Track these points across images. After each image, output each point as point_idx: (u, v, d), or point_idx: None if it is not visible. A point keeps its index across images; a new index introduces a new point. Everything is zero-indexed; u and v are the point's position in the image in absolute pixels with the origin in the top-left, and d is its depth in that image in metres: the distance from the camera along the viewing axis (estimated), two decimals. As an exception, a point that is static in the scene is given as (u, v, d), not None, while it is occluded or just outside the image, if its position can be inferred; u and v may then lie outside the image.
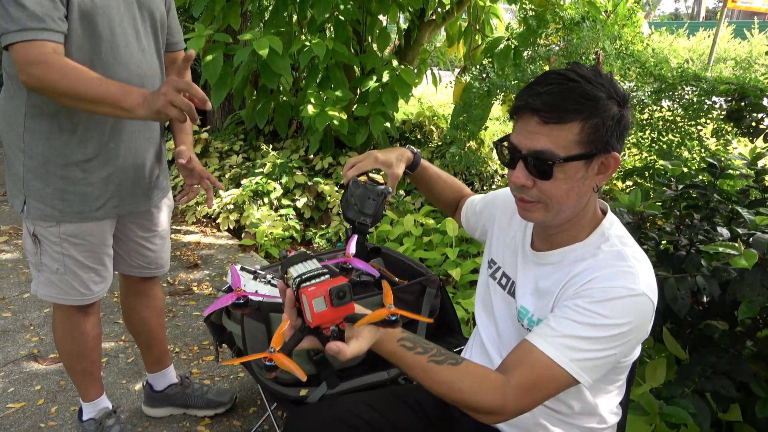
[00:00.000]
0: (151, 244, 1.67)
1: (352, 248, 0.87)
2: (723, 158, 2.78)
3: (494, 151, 4.67)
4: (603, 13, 3.64)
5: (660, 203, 1.68)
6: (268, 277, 1.33)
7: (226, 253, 3.33)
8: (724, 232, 1.61)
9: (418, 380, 0.90)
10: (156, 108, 1.12)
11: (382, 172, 1.27)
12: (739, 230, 1.54)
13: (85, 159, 1.41)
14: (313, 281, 0.78)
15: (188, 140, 1.62)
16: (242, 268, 1.34)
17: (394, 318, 0.80)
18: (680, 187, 1.65)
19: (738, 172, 1.60)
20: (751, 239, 1.39)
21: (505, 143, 0.97)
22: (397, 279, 1.49)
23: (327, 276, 0.79)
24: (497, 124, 4.93)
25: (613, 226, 1.02)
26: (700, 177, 1.70)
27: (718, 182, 1.64)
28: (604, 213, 1.04)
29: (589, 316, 0.90)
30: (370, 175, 1.23)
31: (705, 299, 1.67)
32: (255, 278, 1.29)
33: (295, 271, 0.81)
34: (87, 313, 1.57)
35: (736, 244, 1.34)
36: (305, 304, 0.77)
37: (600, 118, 0.90)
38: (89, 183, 1.43)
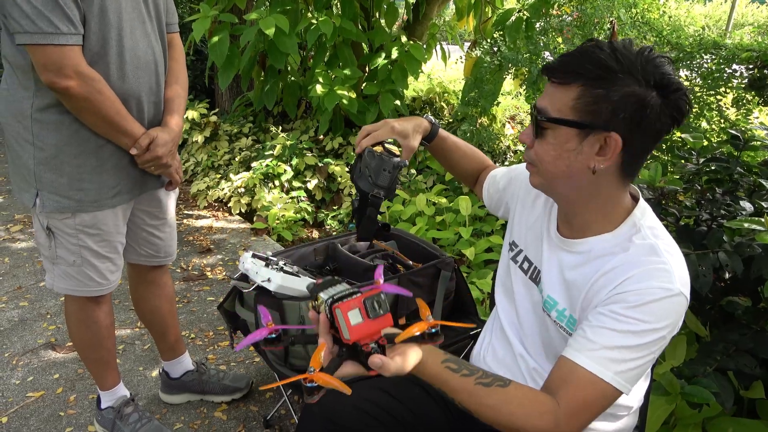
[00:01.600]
0: (160, 232, 1.66)
1: (380, 276, 0.82)
2: (745, 128, 2.70)
3: (506, 126, 4.61)
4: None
5: (679, 177, 1.62)
6: (281, 263, 1.31)
7: (238, 237, 3.33)
8: (747, 206, 1.55)
9: (464, 404, 0.86)
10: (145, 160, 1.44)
11: (398, 143, 1.23)
12: (764, 204, 1.49)
13: (98, 145, 1.40)
14: (345, 299, 0.74)
15: (171, 122, 1.52)
16: (254, 255, 1.32)
17: (435, 330, 0.76)
18: (701, 160, 1.59)
19: (761, 143, 1.54)
20: (777, 213, 1.34)
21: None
22: (411, 262, 1.47)
23: (359, 293, 0.75)
24: (509, 98, 4.84)
25: (645, 215, 0.96)
26: (722, 150, 1.64)
27: (742, 154, 1.58)
28: (636, 200, 0.99)
29: (627, 323, 0.85)
30: (386, 145, 1.18)
31: (727, 276, 1.62)
32: (267, 265, 1.27)
33: (326, 294, 0.78)
34: (99, 303, 1.57)
35: (762, 219, 1.29)
36: (341, 319, 0.73)
37: (605, 90, 0.84)
38: (104, 170, 1.42)
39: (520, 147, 4.25)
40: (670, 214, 1.62)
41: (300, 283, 1.25)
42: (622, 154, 0.87)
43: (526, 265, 1.11)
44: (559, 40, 3.27)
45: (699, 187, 1.58)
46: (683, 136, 1.73)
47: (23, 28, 1.20)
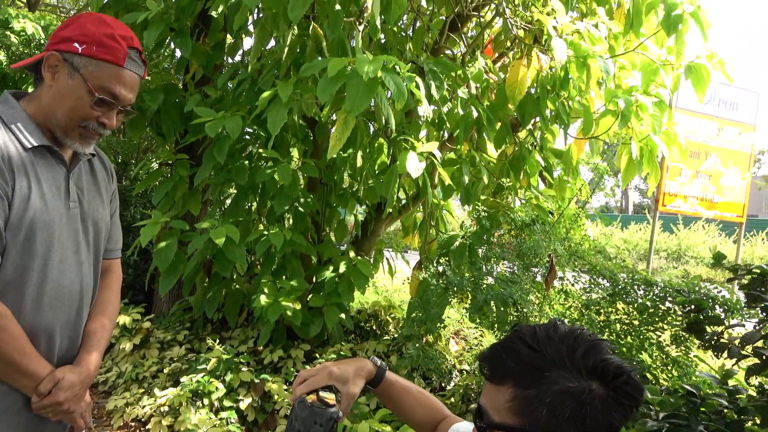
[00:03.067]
0: None
1: None
2: (686, 364, 2.72)
3: (450, 341, 4.56)
4: (550, 215, 3.85)
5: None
6: None
7: (152, 467, 2.88)
8: (712, 467, 1.47)
9: None
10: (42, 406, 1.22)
11: (336, 390, 1.11)
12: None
13: None
14: None
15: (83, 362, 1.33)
16: None
17: None
18: (661, 416, 1.53)
19: (718, 401, 1.51)
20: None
21: None
22: None
23: None
24: (453, 312, 4.89)
25: None
26: (680, 406, 1.60)
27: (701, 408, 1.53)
28: None
29: None
30: (321, 394, 1.07)
31: None
32: None
33: None
34: None
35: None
36: None
37: (536, 391, 0.77)
38: None
39: (465, 366, 4.16)
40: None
41: None
42: None
43: None
44: (501, 267, 3.42)
45: (662, 447, 1.49)
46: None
47: None
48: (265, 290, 3.60)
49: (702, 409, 1.49)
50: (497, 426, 0.81)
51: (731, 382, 1.91)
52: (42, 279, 1.24)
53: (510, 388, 0.80)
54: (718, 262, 2.24)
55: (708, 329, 2.15)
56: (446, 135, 4.15)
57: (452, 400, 3.52)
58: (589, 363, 0.77)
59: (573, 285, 3.23)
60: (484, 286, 3.10)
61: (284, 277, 3.94)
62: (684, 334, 2.59)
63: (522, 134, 4.13)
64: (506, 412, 0.80)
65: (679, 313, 2.65)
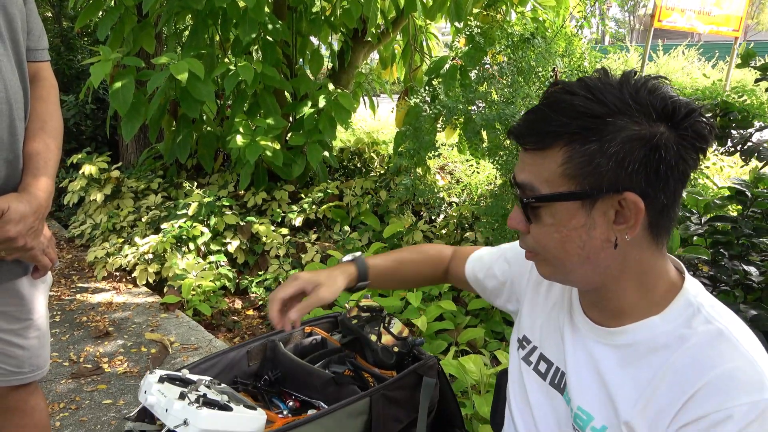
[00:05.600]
0: (22, 339, 1.17)
1: None
2: (698, 178, 2.60)
3: (436, 176, 4.44)
4: (548, 31, 3.48)
5: (682, 240, 1.40)
6: (203, 388, 0.91)
7: (144, 314, 2.80)
8: (752, 270, 1.35)
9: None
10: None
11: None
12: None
13: None
14: None
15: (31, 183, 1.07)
16: (162, 379, 0.91)
17: None
18: (704, 219, 1.38)
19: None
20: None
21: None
22: (378, 370, 1.11)
23: None
24: (448, 149, 4.71)
25: (699, 291, 0.72)
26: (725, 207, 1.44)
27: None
28: (681, 273, 0.75)
29: None
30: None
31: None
32: (183, 396, 0.87)
33: None
34: None
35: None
36: None
37: (597, 143, 0.65)
38: None
39: (455, 198, 4.06)
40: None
41: (234, 421, 0.86)
42: (647, 213, 0.67)
43: (543, 367, 0.84)
44: (494, 94, 3.13)
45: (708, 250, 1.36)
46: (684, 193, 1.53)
47: None
48: (240, 129, 3.30)
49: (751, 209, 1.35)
50: (550, 197, 0.68)
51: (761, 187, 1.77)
52: None
53: (562, 148, 0.66)
54: (746, 62, 2.05)
55: (734, 133, 1.98)
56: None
57: (445, 230, 3.45)
58: (657, 103, 0.65)
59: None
60: (481, 108, 2.85)
61: (259, 115, 3.63)
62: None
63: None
64: (559, 179, 0.67)
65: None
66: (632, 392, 0.69)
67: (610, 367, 0.73)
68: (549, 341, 0.84)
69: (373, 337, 1.07)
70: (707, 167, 2.51)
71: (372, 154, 4.55)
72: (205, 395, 0.89)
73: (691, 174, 0.69)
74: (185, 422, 0.82)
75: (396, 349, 1.06)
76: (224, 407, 0.87)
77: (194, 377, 0.97)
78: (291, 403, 1.06)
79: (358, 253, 1.02)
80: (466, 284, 1.04)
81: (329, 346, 1.20)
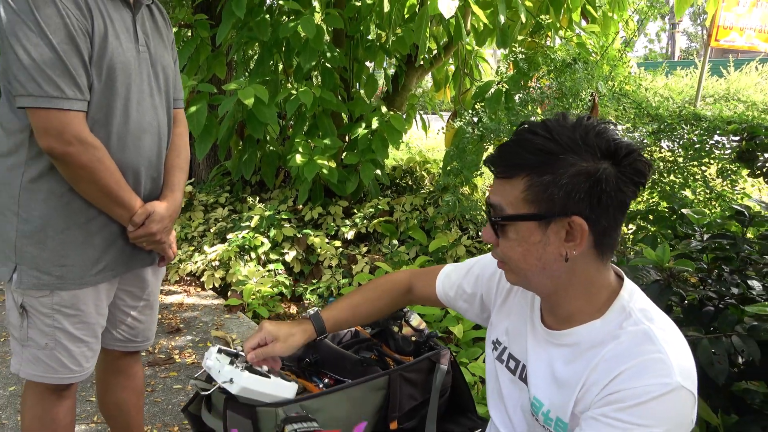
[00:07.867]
0: (141, 314, 1.52)
1: None
2: (728, 198, 2.66)
3: (486, 194, 4.59)
4: (593, 55, 3.60)
5: (682, 255, 1.53)
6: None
7: (210, 314, 3.12)
8: (755, 284, 1.46)
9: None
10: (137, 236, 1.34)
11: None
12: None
13: (88, 219, 1.30)
14: None
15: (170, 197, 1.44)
16: (220, 350, 1.16)
17: None
18: (705, 237, 1.51)
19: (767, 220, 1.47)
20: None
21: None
22: (398, 356, 1.31)
23: None
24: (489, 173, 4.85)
25: (633, 297, 0.87)
26: (726, 226, 1.56)
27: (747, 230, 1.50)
28: (622, 280, 0.90)
29: (622, 428, 0.76)
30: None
31: (741, 360, 1.51)
32: (233, 363, 1.11)
33: (291, 427, 0.89)
34: (63, 397, 1.39)
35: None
36: None
37: (551, 175, 0.79)
38: (91, 244, 1.31)
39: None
40: (674, 293, 1.52)
41: (269, 386, 1.09)
42: (591, 234, 0.81)
43: (512, 364, 1.00)
44: (539, 111, 3.28)
45: (705, 266, 1.49)
46: (685, 211, 1.65)
47: (27, 90, 1.14)
48: (300, 149, 3.59)
49: (750, 229, 1.45)
50: (512, 217, 0.83)
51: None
52: (125, 118, 1.29)
53: (524, 178, 0.81)
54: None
55: (760, 156, 2.06)
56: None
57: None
58: (602, 144, 0.79)
59: (615, 125, 3.10)
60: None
61: (317, 136, 3.92)
62: (731, 166, 2.49)
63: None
64: (521, 203, 0.82)
65: (728, 146, 2.53)
66: (576, 383, 0.85)
67: (559, 363, 0.89)
68: (516, 342, 1.00)
69: (395, 329, 1.28)
70: (743, 188, 2.56)
71: (423, 172, 4.76)
72: (250, 365, 1.12)
73: (631, 204, 0.84)
74: (231, 380, 1.06)
75: (414, 339, 1.27)
76: (264, 375, 1.10)
77: (243, 353, 1.21)
78: (327, 380, 1.28)
79: (314, 310, 1.18)
80: (436, 302, 1.18)
81: (361, 337, 1.42)
